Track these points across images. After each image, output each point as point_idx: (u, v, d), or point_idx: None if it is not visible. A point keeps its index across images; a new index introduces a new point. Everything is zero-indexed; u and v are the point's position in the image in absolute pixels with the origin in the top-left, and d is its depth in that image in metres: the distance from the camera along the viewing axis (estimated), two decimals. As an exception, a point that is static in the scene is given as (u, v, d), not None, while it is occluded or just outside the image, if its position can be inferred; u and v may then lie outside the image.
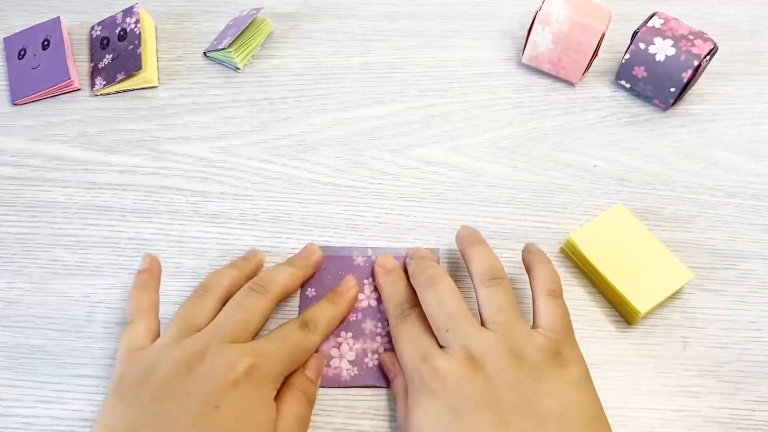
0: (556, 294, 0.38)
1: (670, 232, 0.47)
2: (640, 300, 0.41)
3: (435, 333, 0.38)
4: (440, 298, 0.38)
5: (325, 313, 0.41)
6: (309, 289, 0.44)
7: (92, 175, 0.50)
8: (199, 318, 0.38)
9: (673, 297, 0.44)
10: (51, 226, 0.47)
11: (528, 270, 0.41)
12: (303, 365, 0.39)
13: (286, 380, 0.38)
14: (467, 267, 0.41)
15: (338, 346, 0.41)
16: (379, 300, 0.43)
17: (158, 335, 0.39)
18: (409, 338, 0.38)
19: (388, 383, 0.40)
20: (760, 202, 0.49)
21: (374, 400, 0.40)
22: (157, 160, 0.50)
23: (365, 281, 0.44)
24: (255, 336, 0.39)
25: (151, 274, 0.43)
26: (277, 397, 0.37)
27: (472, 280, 0.40)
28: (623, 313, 0.43)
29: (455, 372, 0.35)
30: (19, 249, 0.46)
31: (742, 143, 0.52)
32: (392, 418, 0.40)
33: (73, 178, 0.49)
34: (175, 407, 0.34)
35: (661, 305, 0.43)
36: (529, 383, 0.34)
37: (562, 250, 0.46)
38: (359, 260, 0.45)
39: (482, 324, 0.37)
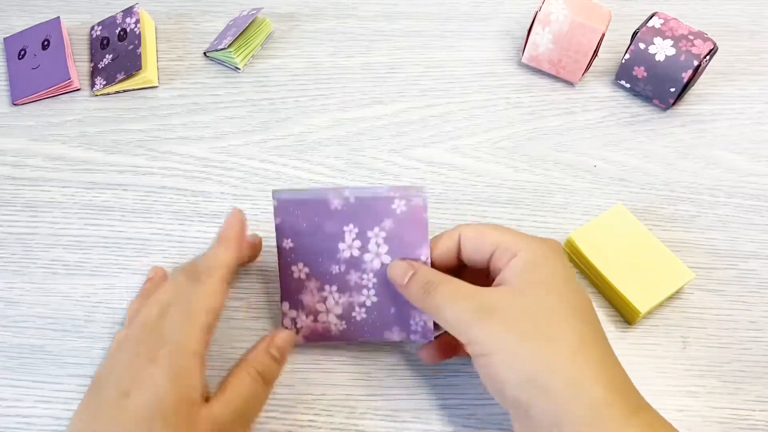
0: None
1: (670, 232, 0.47)
2: (640, 300, 0.41)
3: (501, 255, 0.36)
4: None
5: (218, 257, 0.37)
6: (285, 240, 0.40)
7: (92, 175, 0.50)
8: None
9: (673, 297, 0.44)
10: (51, 226, 0.47)
11: None
12: (269, 340, 0.37)
13: (246, 356, 0.36)
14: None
15: (323, 300, 0.40)
16: (362, 250, 0.40)
17: None
18: (491, 224, 0.38)
19: (378, 334, 0.40)
20: (760, 202, 0.49)
21: (374, 400, 0.40)
22: (157, 160, 0.50)
23: (345, 228, 0.39)
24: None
25: (153, 285, 0.43)
26: (230, 372, 0.35)
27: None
28: (623, 313, 0.43)
29: (563, 257, 0.37)
30: (19, 249, 0.46)
31: (742, 143, 0.52)
32: (392, 418, 0.40)
33: (73, 178, 0.49)
34: (95, 395, 0.33)
35: (661, 305, 0.43)
36: None
37: (562, 250, 0.46)
38: (336, 203, 0.39)
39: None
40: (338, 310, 0.40)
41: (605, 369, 0.33)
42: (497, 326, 0.33)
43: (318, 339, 0.41)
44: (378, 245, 0.40)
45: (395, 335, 0.40)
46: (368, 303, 0.40)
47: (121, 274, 0.45)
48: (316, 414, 0.40)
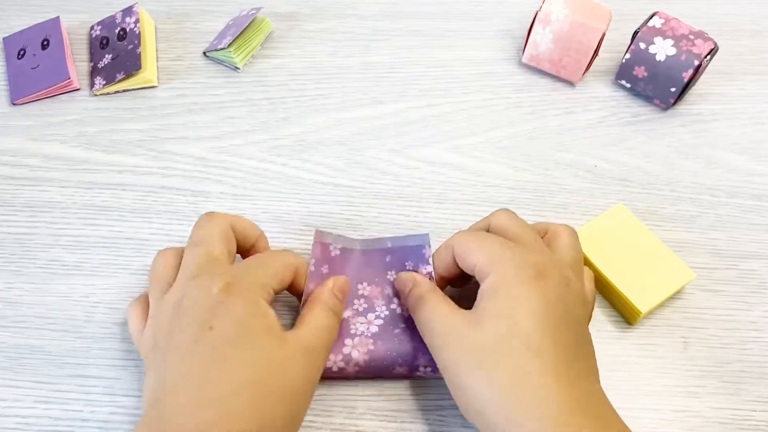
0: (591, 279, 0.41)
1: (670, 232, 0.47)
2: (640, 300, 0.41)
3: (514, 239, 0.38)
4: (520, 218, 0.39)
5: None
6: (324, 266, 0.42)
7: (91, 174, 0.50)
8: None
9: (673, 297, 0.44)
10: (50, 226, 0.47)
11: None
12: (331, 282, 0.40)
13: (312, 296, 0.39)
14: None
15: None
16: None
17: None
18: (488, 234, 0.38)
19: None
20: (760, 202, 0.48)
21: (374, 400, 0.40)
22: (157, 160, 0.50)
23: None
24: None
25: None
26: (303, 307, 0.38)
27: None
28: (624, 313, 0.43)
29: (555, 275, 0.35)
30: (18, 249, 0.46)
31: (742, 143, 0.51)
32: (392, 418, 0.39)
33: (73, 177, 0.49)
34: (179, 342, 0.34)
35: (661, 305, 0.43)
36: (586, 323, 0.37)
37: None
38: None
39: None
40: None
41: (545, 403, 0.32)
42: (454, 355, 0.35)
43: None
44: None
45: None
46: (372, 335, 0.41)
47: (120, 274, 0.45)
48: (315, 414, 0.39)
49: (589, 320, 0.38)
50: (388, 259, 0.43)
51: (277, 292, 0.38)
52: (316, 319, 0.37)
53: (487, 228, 0.40)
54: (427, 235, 0.43)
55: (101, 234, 0.47)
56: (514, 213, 0.40)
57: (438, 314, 0.36)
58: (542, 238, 0.39)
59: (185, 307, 0.35)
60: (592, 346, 0.36)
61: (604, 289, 0.44)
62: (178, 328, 0.34)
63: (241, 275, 0.36)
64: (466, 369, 0.34)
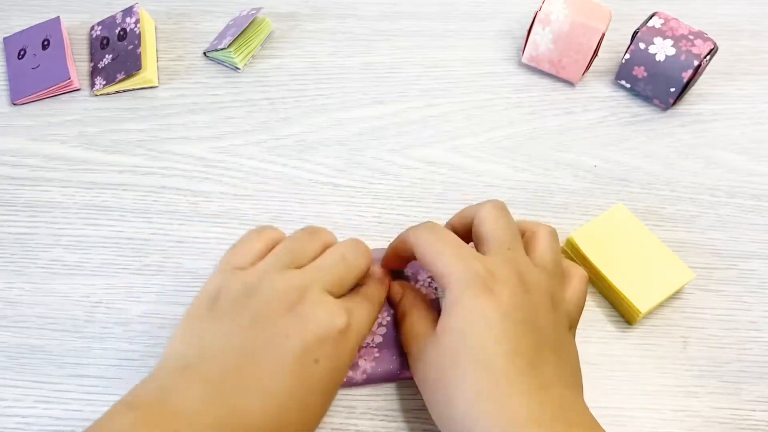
0: (585, 280, 0.40)
1: (670, 232, 0.47)
2: (640, 299, 0.41)
3: (485, 247, 0.37)
4: (504, 217, 0.37)
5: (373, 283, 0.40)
6: None
7: (92, 175, 0.50)
8: (304, 255, 0.37)
9: (673, 297, 0.44)
10: (51, 226, 0.47)
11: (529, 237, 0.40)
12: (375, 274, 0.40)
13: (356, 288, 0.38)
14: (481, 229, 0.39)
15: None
16: None
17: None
18: (447, 240, 0.36)
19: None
20: (760, 202, 0.49)
21: (374, 400, 0.40)
22: (157, 160, 0.50)
23: None
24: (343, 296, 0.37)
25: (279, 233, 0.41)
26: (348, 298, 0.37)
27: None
28: (624, 313, 0.43)
29: (511, 282, 0.34)
30: (18, 249, 0.46)
31: (742, 143, 0.52)
32: (392, 418, 0.40)
33: (73, 178, 0.49)
34: (274, 345, 0.33)
35: (661, 305, 0.43)
36: (558, 328, 0.35)
37: (563, 250, 0.46)
38: None
39: None
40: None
41: (497, 416, 0.31)
42: (422, 374, 0.35)
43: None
44: None
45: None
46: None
47: (120, 274, 0.45)
48: (315, 414, 0.39)
49: (573, 323, 0.37)
50: None
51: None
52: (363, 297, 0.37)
53: (472, 218, 0.39)
54: None
55: (102, 234, 0.47)
56: (503, 208, 0.38)
57: (413, 334, 0.37)
58: (522, 237, 0.39)
59: (298, 313, 0.34)
60: (568, 350, 0.35)
61: (604, 289, 0.44)
62: (280, 323, 0.33)
63: (357, 320, 0.35)
64: (431, 387, 0.34)
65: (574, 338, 0.37)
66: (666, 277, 0.42)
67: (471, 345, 0.33)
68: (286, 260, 0.36)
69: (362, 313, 0.36)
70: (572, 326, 0.37)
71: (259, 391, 0.32)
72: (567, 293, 0.37)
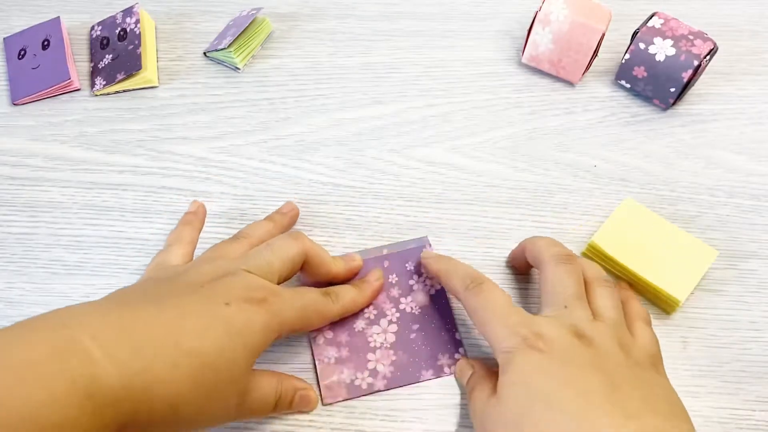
0: (648, 322, 0.40)
1: (670, 232, 0.47)
2: (677, 289, 0.41)
3: (544, 306, 0.38)
4: (571, 275, 0.38)
5: (349, 292, 0.41)
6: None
7: (92, 175, 0.50)
8: (228, 255, 0.39)
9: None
10: (51, 226, 0.47)
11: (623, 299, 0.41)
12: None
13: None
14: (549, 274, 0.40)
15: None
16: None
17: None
18: (496, 305, 0.37)
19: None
20: (760, 202, 0.49)
21: (373, 400, 0.40)
22: (157, 160, 0.50)
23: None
24: (277, 283, 0.38)
25: (197, 216, 0.45)
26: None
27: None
28: (660, 305, 0.43)
29: (563, 338, 0.34)
30: (19, 249, 0.46)
31: (742, 143, 0.52)
32: (392, 418, 0.40)
33: (73, 178, 0.49)
34: (189, 292, 0.35)
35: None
36: (636, 368, 0.35)
37: (585, 256, 0.45)
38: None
39: None
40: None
41: None
42: None
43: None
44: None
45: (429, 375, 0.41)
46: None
47: (120, 274, 0.45)
48: (316, 414, 0.40)
49: (656, 360, 0.37)
50: (386, 264, 0.44)
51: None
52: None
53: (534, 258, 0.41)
54: (425, 237, 0.44)
55: (102, 234, 0.47)
56: (566, 261, 0.39)
57: (478, 400, 0.37)
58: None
59: (221, 281, 0.36)
60: (656, 385, 0.35)
61: (635, 285, 0.44)
62: (201, 286, 0.35)
63: (278, 301, 0.36)
64: None
65: (664, 376, 0.37)
66: (692, 261, 0.42)
67: (537, 392, 0.33)
68: (215, 256, 0.39)
69: (293, 298, 0.37)
70: (655, 364, 0.37)
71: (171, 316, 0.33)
72: (636, 335, 0.38)
